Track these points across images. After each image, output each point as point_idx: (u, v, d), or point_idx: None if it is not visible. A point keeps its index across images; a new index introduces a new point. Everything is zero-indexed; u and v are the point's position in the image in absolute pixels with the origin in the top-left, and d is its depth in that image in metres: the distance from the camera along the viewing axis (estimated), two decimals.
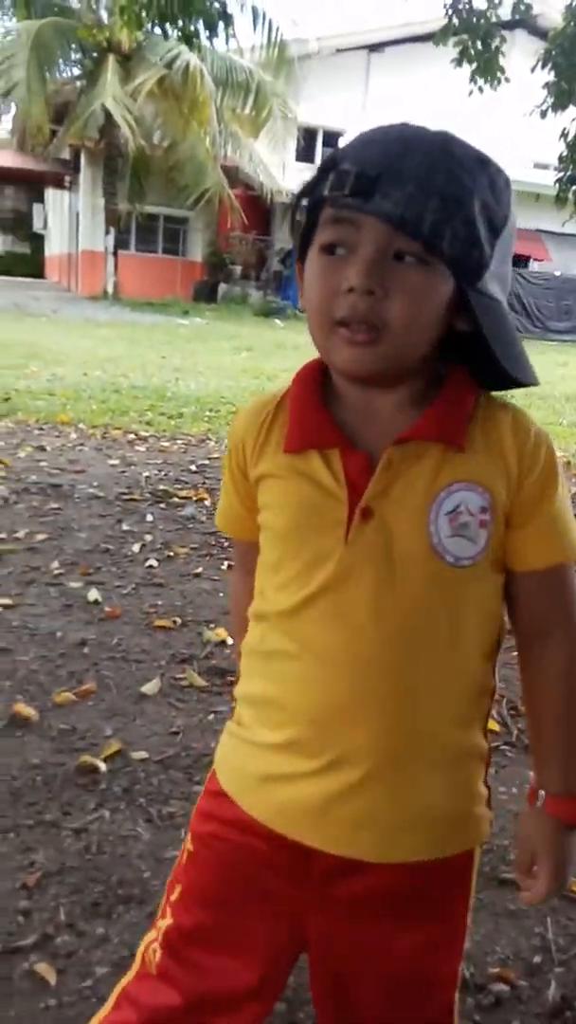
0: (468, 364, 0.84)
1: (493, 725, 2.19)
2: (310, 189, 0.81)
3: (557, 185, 6.88)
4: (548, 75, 6.53)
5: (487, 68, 6.71)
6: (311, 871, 0.84)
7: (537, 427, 0.84)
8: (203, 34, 4.83)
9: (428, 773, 0.83)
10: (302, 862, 0.84)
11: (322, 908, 0.86)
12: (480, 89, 6.83)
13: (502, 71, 6.71)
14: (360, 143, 0.79)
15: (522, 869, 0.89)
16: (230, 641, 2.55)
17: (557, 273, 20.06)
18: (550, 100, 6.59)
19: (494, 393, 0.86)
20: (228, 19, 4.88)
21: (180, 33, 4.79)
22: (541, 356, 13.65)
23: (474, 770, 0.87)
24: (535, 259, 21.18)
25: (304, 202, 0.82)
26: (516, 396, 8.94)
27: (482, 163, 0.79)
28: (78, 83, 17.93)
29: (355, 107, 18.84)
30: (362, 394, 0.83)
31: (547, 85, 6.57)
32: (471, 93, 6.87)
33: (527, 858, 0.88)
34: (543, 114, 6.66)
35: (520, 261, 20.87)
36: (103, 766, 1.94)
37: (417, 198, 0.74)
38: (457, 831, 0.86)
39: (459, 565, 0.80)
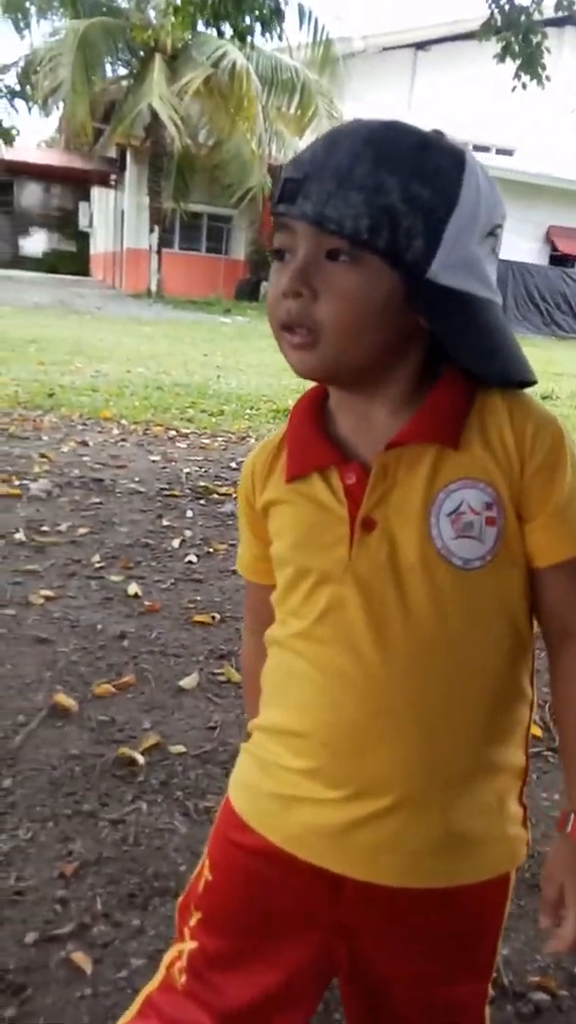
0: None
1: (535, 730, 2.14)
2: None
3: None
4: None
5: (530, 64, 6.59)
6: (340, 896, 0.81)
7: (541, 412, 0.78)
8: (256, 31, 4.84)
9: (456, 794, 0.78)
10: (329, 888, 0.80)
11: (352, 933, 0.83)
12: (524, 86, 6.72)
13: (543, 68, 6.59)
14: (301, 152, 0.78)
15: (548, 909, 0.81)
16: None
17: None
18: None
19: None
20: (280, 16, 4.88)
21: (234, 31, 4.80)
22: None
23: (508, 787, 0.82)
24: None
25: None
26: (563, 398, 8.76)
27: (420, 148, 0.73)
28: (124, 82, 18.11)
29: (401, 106, 18.69)
30: (349, 403, 0.82)
31: None
32: (514, 89, 6.76)
33: (553, 894, 0.80)
34: None
35: (568, 261, 20.57)
36: (141, 759, 1.95)
37: (337, 194, 0.71)
38: (488, 854, 0.81)
39: (469, 567, 0.76)
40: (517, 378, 0.79)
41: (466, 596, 0.76)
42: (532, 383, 0.79)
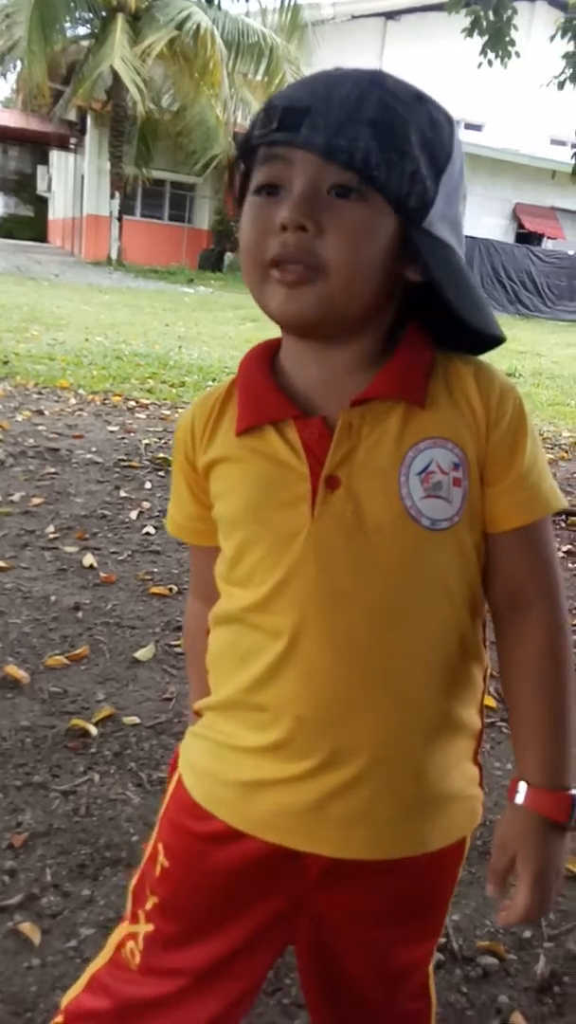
0: (428, 325, 0.79)
1: (489, 701, 2.18)
2: (247, 135, 0.76)
3: (574, 160, 6.74)
4: (567, 45, 6.37)
5: (497, 40, 6.54)
6: (302, 874, 0.80)
7: (504, 379, 0.78)
8: None
9: (424, 757, 0.77)
10: (291, 866, 0.79)
11: (312, 905, 0.82)
12: (490, 63, 6.67)
13: (512, 44, 6.54)
14: (290, 86, 0.75)
15: (496, 875, 0.78)
16: None
17: (571, 252, 19.84)
18: (568, 71, 6.43)
19: None
20: None
21: None
22: (551, 336, 13.58)
23: (466, 748, 0.82)
24: (549, 237, 20.97)
25: (241, 148, 0.77)
26: (525, 376, 8.84)
27: (419, 98, 0.73)
28: (85, 43, 17.59)
29: None
30: (312, 356, 0.77)
31: (567, 55, 6.41)
32: (480, 66, 6.71)
33: (504, 863, 0.78)
34: (560, 85, 6.51)
35: (533, 238, 20.67)
36: (94, 730, 1.93)
37: (348, 126, 0.69)
38: (453, 817, 0.81)
39: (436, 528, 0.74)
40: (496, 332, 0.78)
41: (432, 557, 0.75)
42: (504, 340, 0.80)
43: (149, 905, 0.85)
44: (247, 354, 0.84)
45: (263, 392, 0.79)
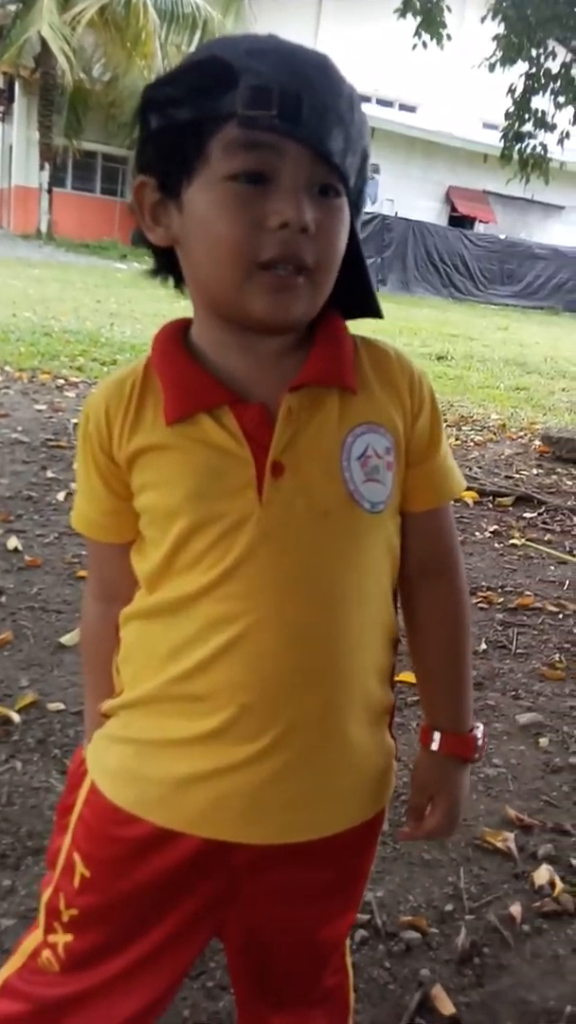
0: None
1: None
2: (189, 100, 0.68)
3: (502, 143, 6.82)
4: (498, 28, 6.41)
5: (430, 22, 6.55)
6: (232, 864, 0.79)
7: (416, 365, 0.82)
8: None
9: (356, 735, 0.79)
10: (221, 859, 0.78)
11: (241, 895, 0.82)
12: (424, 44, 6.67)
13: (443, 26, 6.55)
14: (251, 55, 0.67)
15: (416, 813, 0.89)
16: None
17: (502, 236, 20.15)
18: (499, 54, 6.48)
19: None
20: None
21: None
22: (482, 320, 13.78)
23: (384, 722, 0.84)
24: (481, 220, 21.24)
25: (179, 114, 0.69)
26: (457, 359, 9.00)
27: (354, 89, 0.72)
28: (12, 7, 16.95)
29: None
30: (244, 343, 0.75)
31: (496, 38, 6.46)
32: (415, 47, 6.71)
33: (423, 801, 0.88)
34: (491, 68, 6.55)
35: (466, 222, 20.90)
36: (17, 717, 1.89)
37: (336, 125, 0.68)
38: (376, 790, 0.83)
39: (375, 511, 0.77)
40: (379, 307, 0.82)
41: (372, 539, 0.78)
42: (382, 316, 0.83)
43: (66, 917, 0.81)
44: (158, 337, 0.80)
45: (192, 378, 0.75)
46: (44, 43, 15.51)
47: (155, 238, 0.75)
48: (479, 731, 0.88)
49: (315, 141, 0.67)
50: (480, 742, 0.88)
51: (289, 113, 0.65)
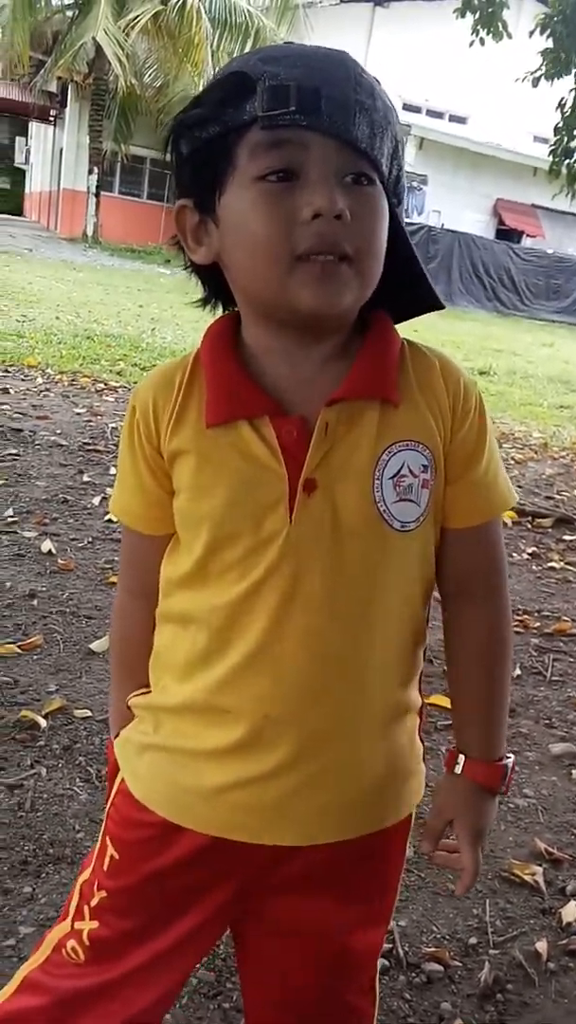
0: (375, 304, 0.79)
1: (442, 700, 2.18)
2: (214, 116, 0.70)
3: (551, 157, 6.75)
4: (546, 42, 6.35)
5: (489, 19, 6.50)
6: (256, 861, 0.79)
7: (465, 374, 0.80)
8: None
9: (383, 741, 0.79)
10: (245, 856, 0.79)
11: (259, 893, 0.82)
12: (482, 41, 6.62)
13: (504, 26, 6.50)
14: (265, 61, 0.69)
15: (432, 836, 0.86)
16: None
17: (550, 251, 19.95)
18: (544, 68, 6.42)
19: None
20: None
21: None
22: (527, 335, 13.65)
23: (413, 725, 0.84)
24: (528, 235, 21.05)
25: (206, 132, 0.71)
26: (499, 375, 8.93)
27: (379, 83, 0.73)
28: (69, 13, 17.26)
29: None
30: (292, 347, 0.75)
31: (544, 52, 6.39)
32: (471, 44, 6.66)
33: (440, 826, 0.85)
34: (535, 82, 6.50)
35: (513, 235, 20.73)
36: (43, 722, 1.89)
37: (358, 112, 0.68)
38: (405, 793, 0.83)
39: (406, 530, 0.76)
40: (439, 299, 0.82)
41: (399, 556, 0.76)
42: (443, 306, 0.83)
43: (95, 901, 0.83)
44: (209, 333, 0.80)
45: (236, 384, 0.75)
46: (99, 49, 15.76)
47: (198, 258, 0.77)
48: (509, 761, 0.85)
49: (338, 130, 0.68)
50: (508, 774, 0.85)
51: (308, 107, 0.66)
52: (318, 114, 0.66)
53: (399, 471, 0.74)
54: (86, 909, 0.84)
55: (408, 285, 0.79)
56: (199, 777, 0.77)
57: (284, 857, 0.79)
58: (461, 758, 0.84)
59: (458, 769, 0.84)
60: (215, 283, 0.79)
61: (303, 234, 0.68)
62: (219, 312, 0.81)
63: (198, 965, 0.91)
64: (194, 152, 0.72)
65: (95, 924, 0.83)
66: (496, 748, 0.84)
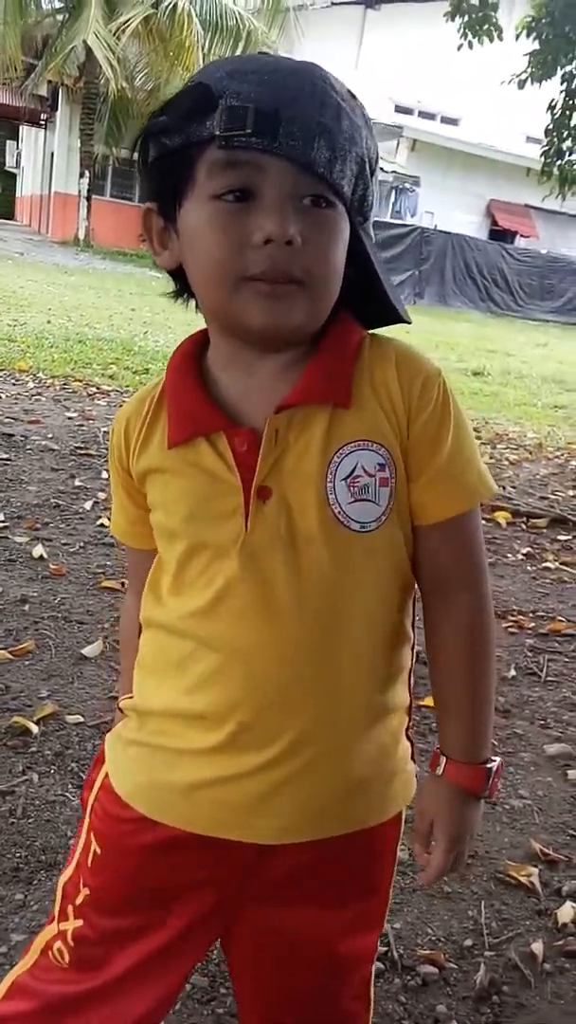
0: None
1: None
2: (178, 127, 0.71)
3: (542, 159, 6.76)
4: (533, 44, 6.36)
5: (481, 21, 6.51)
6: (237, 859, 0.79)
7: (427, 366, 0.77)
8: None
9: (363, 741, 0.79)
10: (226, 854, 0.79)
11: (247, 893, 0.82)
12: (470, 44, 6.64)
13: (497, 28, 6.50)
14: (231, 76, 0.69)
15: (420, 839, 0.85)
16: None
17: (543, 251, 19.97)
18: (530, 70, 6.43)
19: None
20: None
21: None
22: (521, 335, 13.66)
23: (399, 725, 0.83)
24: (522, 235, 21.08)
25: (170, 141, 0.72)
26: (493, 375, 8.94)
27: (354, 97, 0.73)
28: (59, 16, 17.24)
29: (347, 64, 18.36)
30: (249, 359, 0.77)
31: (531, 54, 6.40)
32: (460, 48, 6.67)
33: (425, 828, 0.84)
34: (521, 84, 6.51)
35: (507, 236, 20.75)
36: (35, 728, 1.88)
37: (319, 136, 0.68)
38: (391, 792, 0.83)
39: (366, 531, 0.75)
40: (406, 315, 0.81)
41: (363, 557, 0.76)
42: (409, 322, 0.82)
43: (80, 899, 0.83)
44: (174, 354, 0.82)
45: (192, 403, 0.78)
46: (89, 52, 15.73)
47: (162, 261, 0.79)
48: (493, 765, 0.83)
49: (295, 154, 0.68)
50: (492, 778, 0.82)
51: (265, 129, 0.67)
52: (274, 137, 0.67)
53: (352, 472, 0.74)
54: (70, 909, 0.84)
55: (369, 301, 0.79)
56: (179, 774, 0.78)
57: (266, 858, 0.79)
58: (443, 759, 0.82)
59: (439, 771, 0.82)
60: (186, 282, 0.80)
61: (254, 258, 0.69)
62: (191, 306, 0.82)
63: (201, 960, 0.89)
64: (158, 159, 0.74)
65: (79, 923, 0.83)
66: (479, 750, 0.82)
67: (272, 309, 0.71)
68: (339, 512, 0.74)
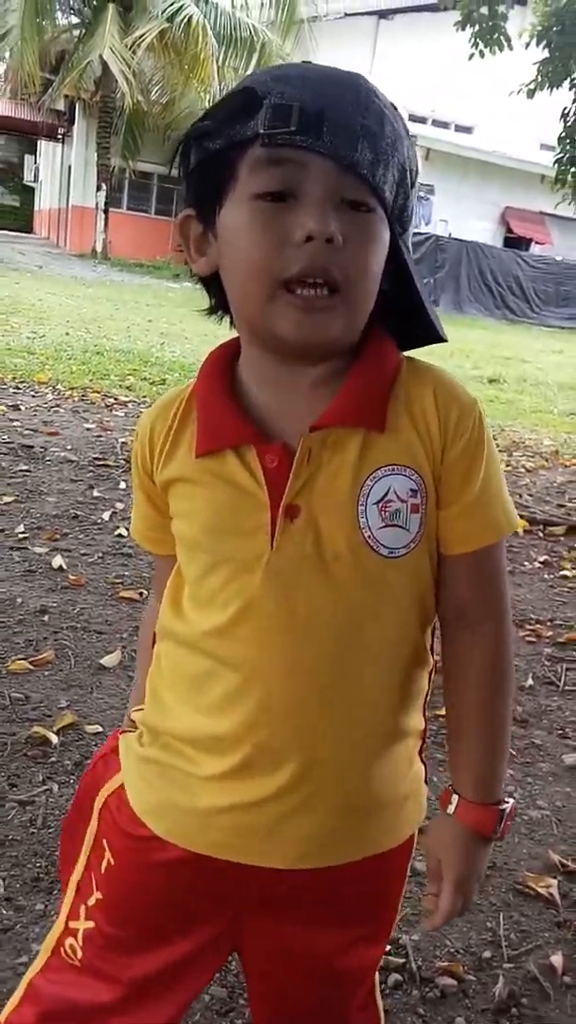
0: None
1: None
2: (221, 130, 0.70)
3: (556, 166, 6.76)
4: (542, 52, 6.37)
5: (491, 31, 6.52)
6: (252, 882, 0.78)
7: (464, 395, 0.76)
8: None
9: (378, 767, 0.78)
10: (240, 877, 0.78)
11: (254, 912, 0.82)
12: (481, 54, 6.65)
13: (507, 39, 6.52)
14: (276, 79, 0.69)
15: (434, 877, 0.82)
16: None
17: (558, 258, 19.89)
18: (539, 79, 6.43)
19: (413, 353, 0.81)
20: None
21: None
22: (536, 342, 13.62)
23: (412, 749, 0.82)
24: (537, 242, 21.03)
25: (212, 145, 0.71)
26: (509, 382, 8.91)
27: (396, 108, 0.72)
28: (75, 32, 17.45)
29: (361, 74, 18.40)
30: (282, 372, 0.75)
31: (541, 62, 6.41)
32: (471, 57, 6.69)
33: (434, 865, 0.82)
34: (531, 93, 6.52)
35: (522, 243, 20.70)
36: (55, 738, 1.89)
37: (363, 138, 0.67)
38: (403, 816, 0.82)
39: (394, 556, 0.74)
40: (443, 333, 0.79)
41: (389, 584, 0.74)
42: (446, 340, 0.81)
43: (92, 901, 0.83)
44: (205, 362, 0.81)
45: (223, 414, 0.76)
46: (105, 67, 15.88)
47: (198, 268, 0.77)
48: (506, 807, 0.80)
49: (338, 153, 0.67)
50: (504, 819, 0.80)
51: (309, 128, 0.66)
52: (318, 135, 0.66)
53: (385, 496, 0.73)
54: (82, 909, 0.84)
55: (407, 317, 0.77)
56: (193, 798, 0.77)
57: (274, 879, 0.78)
58: (455, 798, 0.80)
59: (451, 809, 0.80)
60: (221, 294, 0.78)
61: (294, 256, 0.68)
62: (226, 322, 0.81)
63: (209, 981, 0.90)
64: (200, 163, 0.73)
65: (90, 924, 0.83)
66: (492, 791, 0.80)
67: (307, 322, 0.69)
68: (369, 536, 0.73)
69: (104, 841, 0.83)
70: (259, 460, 0.74)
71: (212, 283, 0.78)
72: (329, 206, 0.68)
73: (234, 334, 0.80)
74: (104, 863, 0.83)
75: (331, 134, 0.66)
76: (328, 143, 0.66)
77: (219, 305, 0.80)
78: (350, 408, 0.73)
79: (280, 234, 0.68)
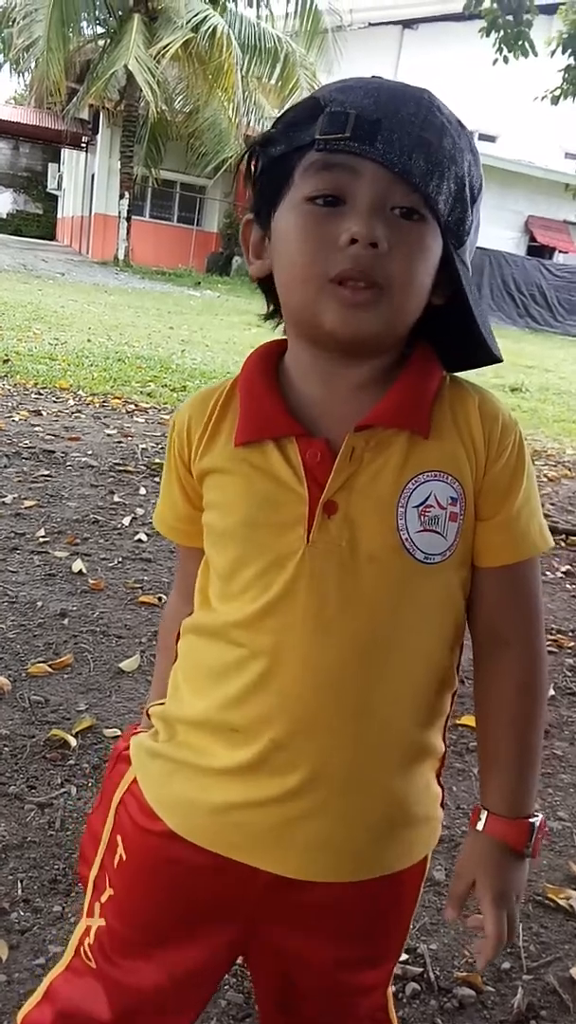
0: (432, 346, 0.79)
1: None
2: (283, 137, 0.73)
3: None
4: (568, 59, 6.35)
5: (516, 37, 6.52)
6: (256, 884, 0.78)
7: (506, 411, 0.78)
8: None
9: (394, 785, 0.77)
10: (246, 878, 0.78)
11: (263, 918, 0.81)
12: (505, 59, 6.64)
13: (532, 45, 6.50)
14: (340, 90, 0.71)
15: (454, 900, 0.81)
16: None
17: None
18: (564, 86, 6.41)
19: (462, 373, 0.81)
20: None
21: None
22: (560, 351, 13.54)
23: (429, 772, 0.81)
24: (561, 251, 20.92)
25: (274, 151, 0.74)
26: (532, 391, 8.84)
27: (462, 126, 0.73)
28: (101, 42, 17.63)
29: None
30: (327, 369, 0.76)
31: (566, 69, 6.39)
32: (495, 62, 6.68)
33: (462, 888, 0.80)
34: (555, 100, 6.50)
35: (545, 252, 20.61)
36: (74, 741, 1.90)
37: (418, 148, 0.68)
38: (418, 839, 0.81)
39: (429, 562, 0.74)
40: (498, 352, 0.79)
41: (421, 590, 0.75)
42: (501, 360, 0.80)
43: (105, 897, 0.84)
44: (251, 356, 0.82)
45: (267, 405, 0.77)
46: (130, 76, 16.03)
47: (254, 271, 0.79)
48: (536, 820, 0.80)
49: (390, 160, 0.68)
50: (536, 833, 0.79)
51: (363, 135, 0.68)
52: (372, 142, 0.67)
53: (425, 500, 0.73)
54: (96, 906, 0.85)
55: (458, 333, 0.77)
56: (206, 792, 0.77)
57: (284, 889, 0.77)
58: (484, 814, 0.79)
59: (480, 825, 0.79)
60: (275, 294, 0.79)
61: (338, 258, 0.69)
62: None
63: (225, 987, 0.89)
64: (263, 169, 0.75)
65: (102, 922, 0.83)
66: (523, 805, 0.79)
67: (350, 316, 0.70)
68: (406, 539, 0.73)
69: (118, 837, 0.84)
70: (300, 454, 0.74)
71: (269, 287, 0.80)
72: (377, 212, 0.69)
73: (255, 344, 0.81)
74: (116, 858, 0.83)
75: (385, 142, 0.68)
76: (380, 150, 0.68)
77: (276, 311, 0.81)
78: (396, 410, 0.74)
79: (327, 237, 0.69)
